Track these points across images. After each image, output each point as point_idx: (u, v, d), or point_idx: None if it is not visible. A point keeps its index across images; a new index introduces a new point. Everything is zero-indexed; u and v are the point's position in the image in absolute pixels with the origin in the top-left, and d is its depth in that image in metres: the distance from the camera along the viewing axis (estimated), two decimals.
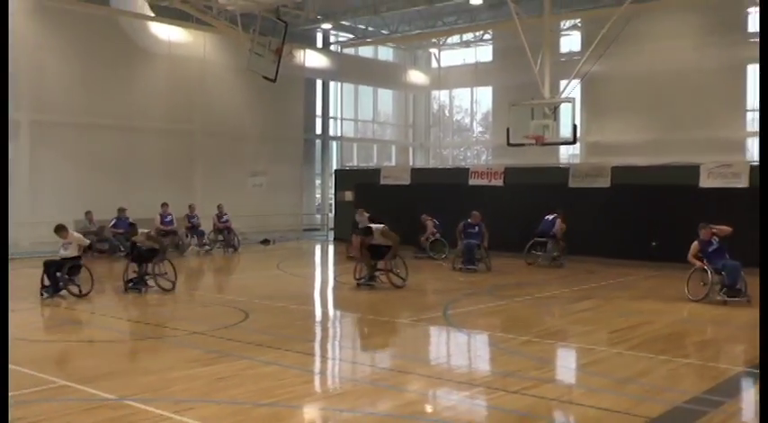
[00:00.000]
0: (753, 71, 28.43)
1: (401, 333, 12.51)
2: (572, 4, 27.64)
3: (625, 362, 9.87)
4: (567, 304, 15.13)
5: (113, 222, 23.34)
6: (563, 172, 24.70)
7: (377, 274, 16.53)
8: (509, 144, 21.62)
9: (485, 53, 36.38)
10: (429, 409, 8.06)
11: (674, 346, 10.90)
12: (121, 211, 23.44)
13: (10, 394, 8.10)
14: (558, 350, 11.10)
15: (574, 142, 22.03)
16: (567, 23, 31.51)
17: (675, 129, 28.72)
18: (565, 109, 20.68)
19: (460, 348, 11.68)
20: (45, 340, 11.41)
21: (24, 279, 18.69)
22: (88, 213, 23.45)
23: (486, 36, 35.00)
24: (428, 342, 12.00)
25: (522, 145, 21.40)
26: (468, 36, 35.40)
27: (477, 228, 19.76)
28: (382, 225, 16.99)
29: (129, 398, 7.95)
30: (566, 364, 10.53)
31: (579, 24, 31.42)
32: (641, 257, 21.21)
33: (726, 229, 14.27)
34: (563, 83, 22.49)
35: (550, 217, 21.50)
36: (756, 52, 28.00)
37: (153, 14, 24.70)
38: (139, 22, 25.18)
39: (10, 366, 9.35)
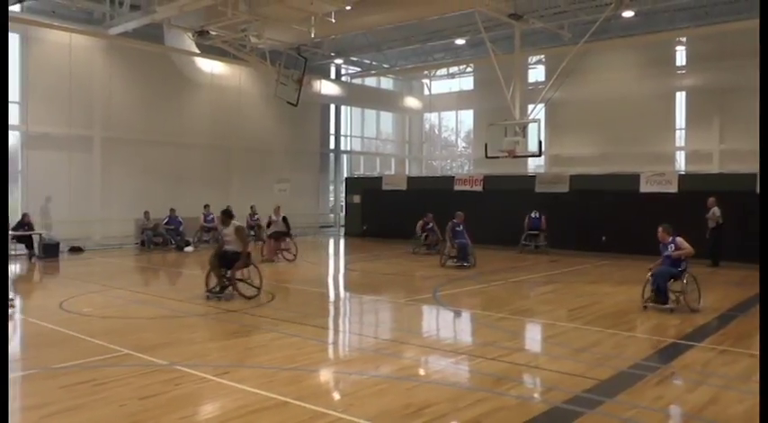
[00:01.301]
0: (680, 97, 28.58)
1: (399, 311, 12.49)
2: (537, 43, 27.60)
3: (580, 334, 9.87)
4: (534, 287, 15.13)
5: (166, 220, 23.46)
6: (531, 179, 24.76)
7: (227, 283, 12.78)
8: (487, 157, 21.57)
9: (467, 83, 36.26)
10: (422, 372, 8.06)
11: (620, 321, 10.88)
12: (172, 211, 23.58)
13: (85, 360, 8.21)
14: (526, 325, 11.08)
15: (539, 155, 21.95)
16: (533, 59, 31.44)
17: (619, 144, 28.73)
18: (532, 128, 20.64)
19: (447, 323, 11.68)
20: (113, 317, 11.37)
21: (97, 267, 18.87)
22: (146, 213, 23.45)
23: (468, 69, 34.89)
24: (421, 318, 11.94)
25: (498, 157, 21.35)
26: (454, 69, 35.31)
27: (461, 226, 18.59)
28: (238, 224, 13.36)
29: (178, 364, 7.97)
30: (533, 336, 10.50)
31: (543, 59, 31.37)
32: (593, 249, 21.27)
33: (685, 251, 11.58)
34: (530, 106, 22.52)
35: (536, 214, 21.75)
36: (683, 82, 28.28)
37: (198, 51, 24.67)
38: (188, 57, 25.14)
39: (85, 338, 9.45)
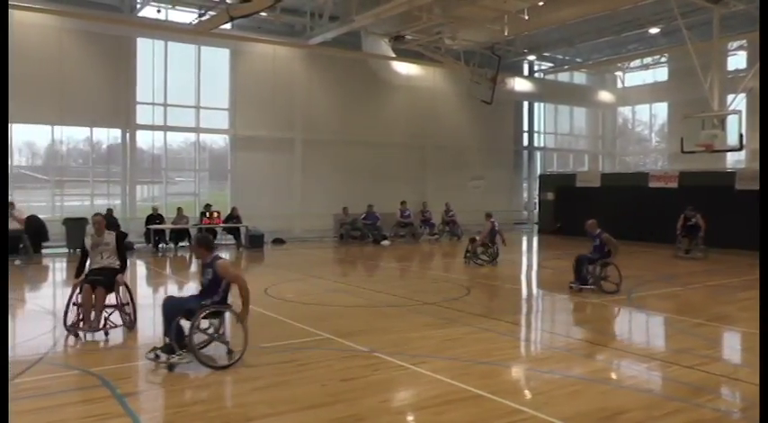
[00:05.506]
0: None
1: (591, 311, 12.11)
2: (738, 27, 25.33)
3: None
4: (733, 292, 13.98)
5: (364, 216, 24.35)
6: (730, 176, 22.92)
7: None
8: (683, 151, 20.58)
9: (662, 74, 34.46)
10: (614, 376, 7.84)
11: None
12: (370, 207, 24.44)
13: (288, 342, 8.76)
14: (725, 333, 10.36)
15: (740, 149, 20.57)
16: (733, 45, 28.86)
17: None
18: (731, 120, 19.47)
19: (641, 326, 11.20)
20: (313, 303, 12.03)
21: (298, 257, 20.02)
22: (345, 208, 24.50)
23: (663, 59, 33.09)
24: (613, 319, 11.57)
25: (694, 152, 20.28)
26: (648, 60, 33.59)
27: (693, 220, 18.94)
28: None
29: (377, 351, 8.29)
30: (732, 345, 9.80)
31: (744, 45, 28.89)
32: None
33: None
34: (730, 97, 21.10)
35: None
36: None
37: (394, 55, 25.31)
38: (384, 61, 25.86)
39: (288, 322, 10.09)
